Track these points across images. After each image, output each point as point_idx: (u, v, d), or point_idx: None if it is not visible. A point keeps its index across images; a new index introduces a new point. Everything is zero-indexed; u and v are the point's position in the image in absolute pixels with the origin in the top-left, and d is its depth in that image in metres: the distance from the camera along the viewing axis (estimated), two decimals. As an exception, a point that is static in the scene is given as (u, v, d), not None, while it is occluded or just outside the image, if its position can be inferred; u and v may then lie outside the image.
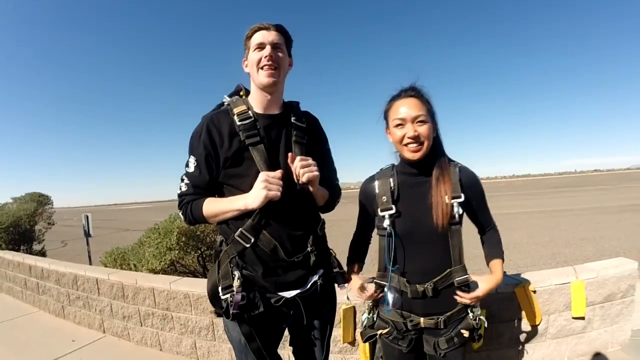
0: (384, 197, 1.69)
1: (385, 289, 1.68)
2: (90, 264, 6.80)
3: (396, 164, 1.78)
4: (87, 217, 7.70)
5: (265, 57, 1.57)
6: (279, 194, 1.48)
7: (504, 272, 2.99)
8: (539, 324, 2.77)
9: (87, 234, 7.57)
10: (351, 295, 1.99)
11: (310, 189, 1.59)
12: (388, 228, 1.64)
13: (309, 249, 1.65)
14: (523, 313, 2.74)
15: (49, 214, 8.08)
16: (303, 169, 1.51)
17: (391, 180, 1.70)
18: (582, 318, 2.81)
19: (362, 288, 1.79)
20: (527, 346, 2.83)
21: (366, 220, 1.83)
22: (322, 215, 1.86)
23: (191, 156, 1.65)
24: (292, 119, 1.68)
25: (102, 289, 4.21)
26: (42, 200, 7.99)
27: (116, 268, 4.61)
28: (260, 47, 1.59)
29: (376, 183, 1.75)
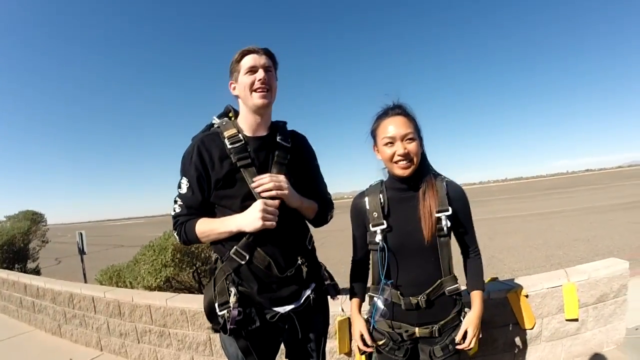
0: (374, 213, 1.72)
1: (375, 299, 1.74)
2: (86, 281, 6.76)
3: (384, 179, 1.82)
4: (82, 234, 7.66)
5: (259, 80, 1.61)
6: (274, 224, 1.54)
7: (496, 279, 3.04)
8: (532, 328, 2.80)
9: (82, 252, 7.53)
10: (345, 307, 2.01)
11: (288, 203, 1.63)
12: (380, 243, 1.68)
13: (299, 261, 1.69)
14: (517, 318, 2.78)
15: (43, 232, 8.05)
16: (269, 185, 1.56)
17: (381, 196, 1.74)
18: (576, 320, 2.86)
19: (363, 337, 1.80)
20: (522, 350, 2.87)
21: (361, 235, 1.84)
22: (315, 228, 1.90)
23: (183, 177, 1.68)
24: (278, 138, 1.72)
25: (99, 307, 4.19)
26: (35, 219, 7.96)
27: (112, 286, 4.61)
28: (252, 70, 1.63)
29: (366, 199, 1.79)
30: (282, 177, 1.61)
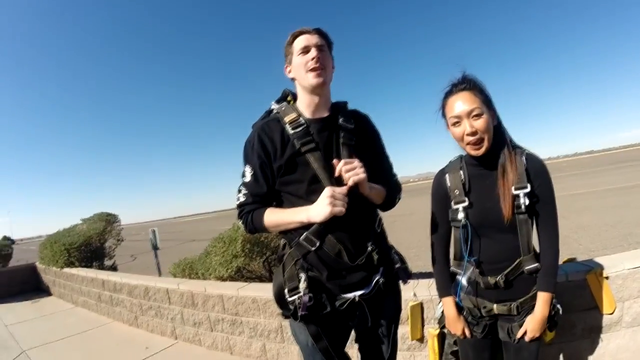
0: (456, 190, 1.70)
1: (458, 277, 1.74)
2: (160, 275, 7.14)
3: (463, 155, 1.76)
4: (154, 231, 8.07)
5: (313, 59, 1.59)
6: (344, 210, 1.49)
7: (574, 259, 2.87)
8: (612, 313, 2.62)
9: (155, 247, 7.94)
10: (418, 292, 1.99)
11: (361, 190, 1.58)
12: (463, 220, 1.66)
13: (369, 248, 1.66)
14: (596, 302, 2.62)
15: (117, 231, 8.51)
16: (348, 172, 1.52)
17: (461, 172, 1.71)
18: (660, 304, 2.65)
19: (457, 322, 1.81)
20: (601, 337, 2.69)
21: (442, 214, 1.81)
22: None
23: (247, 165, 1.69)
24: (340, 120, 1.69)
25: (173, 298, 4.44)
26: (110, 219, 8.45)
27: (185, 278, 4.85)
28: (305, 50, 1.61)
29: (447, 177, 1.76)
30: (357, 162, 1.55)
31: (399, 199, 1.86)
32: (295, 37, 1.65)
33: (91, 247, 7.80)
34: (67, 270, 7.18)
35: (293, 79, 1.71)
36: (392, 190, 1.79)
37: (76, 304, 6.97)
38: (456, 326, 1.82)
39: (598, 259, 2.78)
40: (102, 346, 4.81)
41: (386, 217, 1.86)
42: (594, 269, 2.60)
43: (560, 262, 2.94)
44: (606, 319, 2.66)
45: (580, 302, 2.64)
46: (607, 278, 2.59)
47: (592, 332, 2.70)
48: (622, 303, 2.65)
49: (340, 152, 1.64)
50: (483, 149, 1.59)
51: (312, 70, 1.60)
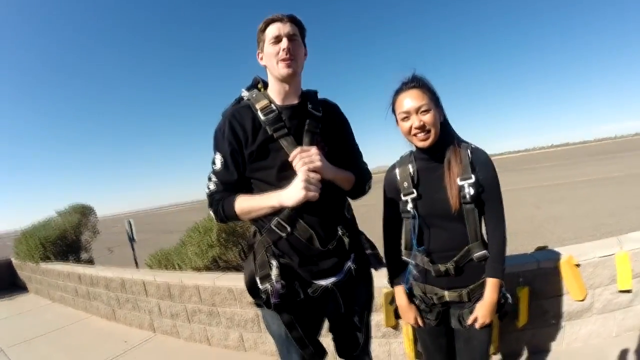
0: (405, 183, 1.76)
1: (409, 266, 1.79)
2: (137, 267, 7.05)
3: (413, 150, 1.82)
4: (130, 222, 7.95)
5: (283, 49, 1.57)
6: (317, 195, 1.48)
7: (546, 247, 2.93)
8: (583, 300, 2.70)
9: (131, 239, 7.83)
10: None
11: (323, 176, 1.56)
12: (412, 210, 1.72)
13: (339, 232, 1.67)
14: (567, 289, 2.69)
15: (93, 224, 8.35)
16: (302, 159, 1.51)
17: (410, 166, 1.78)
18: (629, 291, 2.72)
19: (409, 311, 1.86)
20: (573, 323, 2.77)
21: (393, 206, 1.87)
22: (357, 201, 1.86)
23: (217, 153, 1.66)
24: (309, 107, 1.70)
25: (150, 290, 4.39)
26: (85, 211, 8.27)
27: (161, 269, 4.79)
28: (277, 39, 1.59)
29: (397, 171, 1.82)
30: (313, 149, 1.55)
31: (369, 187, 1.87)
32: (267, 24, 1.62)
33: (67, 240, 7.63)
34: (43, 265, 7.01)
35: (265, 66, 1.69)
36: (361, 177, 1.79)
37: (53, 299, 6.81)
38: (408, 315, 1.88)
39: (569, 247, 2.85)
40: (81, 342, 4.72)
41: (360, 206, 1.87)
42: (565, 257, 2.65)
43: (533, 250, 3.00)
44: (577, 306, 2.74)
45: (551, 289, 2.71)
46: (578, 266, 2.66)
47: (564, 319, 2.77)
48: (592, 290, 2.72)
49: (303, 138, 1.64)
50: (429, 141, 1.66)
51: (283, 60, 1.59)
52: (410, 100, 1.65)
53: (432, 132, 1.65)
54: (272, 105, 1.64)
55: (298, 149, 1.53)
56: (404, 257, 1.85)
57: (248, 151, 1.61)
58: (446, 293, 1.74)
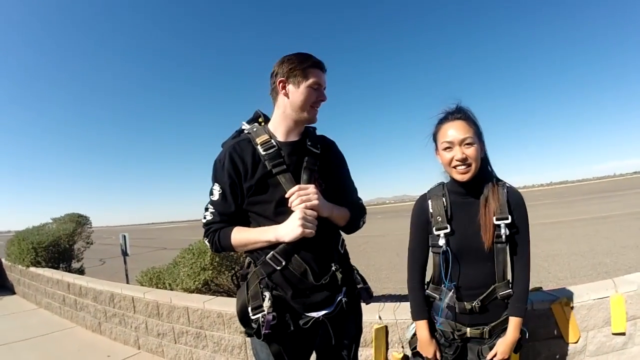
0: (438, 217, 1.74)
1: (438, 302, 1.78)
2: (128, 282, 6.99)
3: (445, 182, 1.83)
4: (125, 236, 7.92)
5: (321, 100, 1.67)
6: (314, 232, 1.53)
7: (540, 288, 2.91)
8: (577, 342, 2.66)
9: (125, 253, 7.79)
10: (383, 315, 2.00)
11: (319, 214, 1.61)
12: (444, 246, 1.70)
13: (333, 268, 1.67)
14: (561, 330, 2.65)
15: (87, 234, 8.34)
16: (300, 197, 1.56)
17: (444, 199, 1.76)
18: (623, 334, 2.68)
19: (430, 345, 1.83)
20: (565, 365, 2.72)
21: (421, 238, 1.85)
22: (355, 233, 1.88)
23: (215, 184, 1.68)
24: (308, 144, 1.72)
25: (138, 306, 4.33)
26: (81, 221, 8.27)
27: (152, 287, 4.76)
28: (317, 86, 1.64)
29: (430, 202, 1.80)
30: (311, 188, 1.59)
31: (364, 222, 1.89)
32: (314, 65, 1.65)
33: (59, 247, 7.58)
34: (32, 269, 6.96)
35: (283, 95, 1.67)
36: (355, 213, 1.82)
37: (40, 305, 6.75)
38: (429, 349, 1.84)
39: (564, 289, 2.82)
40: (64, 351, 4.65)
41: (359, 238, 1.87)
42: (559, 299, 2.64)
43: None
44: (570, 348, 2.69)
45: (545, 331, 2.67)
46: (572, 308, 2.63)
47: (557, 361, 2.71)
48: (586, 332, 2.68)
49: (301, 175, 1.66)
50: (469, 175, 1.65)
51: (314, 107, 1.67)
52: (455, 131, 1.65)
53: (473, 166, 1.65)
54: (272, 140, 1.66)
55: (296, 187, 1.57)
56: (428, 292, 1.84)
57: (247, 185, 1.63)
58: (469, 330, 1.74)
